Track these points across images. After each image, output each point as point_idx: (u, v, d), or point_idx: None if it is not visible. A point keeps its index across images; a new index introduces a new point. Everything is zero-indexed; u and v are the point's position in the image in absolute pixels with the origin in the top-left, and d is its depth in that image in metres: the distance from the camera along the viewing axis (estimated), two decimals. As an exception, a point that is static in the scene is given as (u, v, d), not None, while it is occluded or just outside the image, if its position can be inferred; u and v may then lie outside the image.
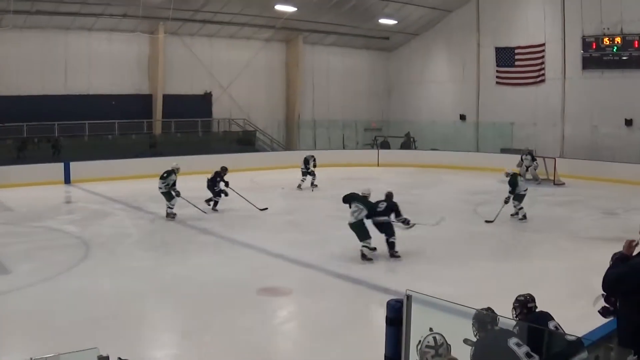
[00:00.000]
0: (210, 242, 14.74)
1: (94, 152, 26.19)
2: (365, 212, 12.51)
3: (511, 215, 16.81)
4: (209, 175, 18.25)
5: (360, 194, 12.84)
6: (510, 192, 16.41)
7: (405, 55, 38.43)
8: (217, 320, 9.10)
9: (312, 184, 23.16)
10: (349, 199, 12.78)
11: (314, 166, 23.32)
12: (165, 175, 17.13)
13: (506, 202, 16.46)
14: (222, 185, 18.05)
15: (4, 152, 24.88)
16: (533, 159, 25.13)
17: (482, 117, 33.65)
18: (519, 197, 16.55)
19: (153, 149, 29.04)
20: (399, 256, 12.73)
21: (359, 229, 12.51)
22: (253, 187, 21.21)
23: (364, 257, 12.42)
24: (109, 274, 11.50)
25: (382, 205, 12.88)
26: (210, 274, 11.72)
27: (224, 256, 13.34)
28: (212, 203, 18.21)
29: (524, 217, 16.63)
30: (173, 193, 16.98)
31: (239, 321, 9.05)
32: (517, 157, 25.77)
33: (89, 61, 28.88)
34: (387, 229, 12.83)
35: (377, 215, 12.76)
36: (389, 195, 13.21)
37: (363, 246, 12.44)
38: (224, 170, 18.30)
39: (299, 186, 23.02)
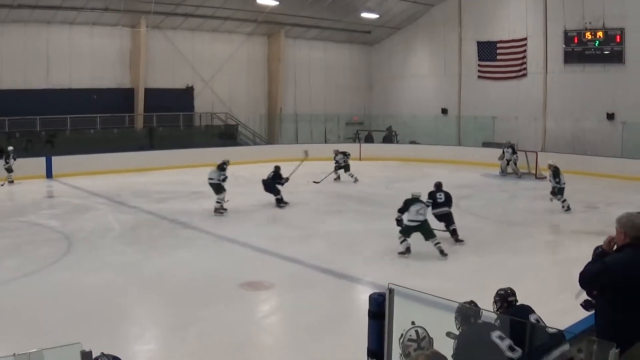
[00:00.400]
0: (193, 236, 14.66)
1: (76, 146, 26.02)
2: (426, 208, 12.57)
3: (562, 207, 17.19)
4: (264, 177, 18.18)
5: (412, 196, 12.60)
6: (557, 182, 17.10)
7: (387, 49, 38.44)
8: (201, 315, 9.07)
9: (352, 176, 23.42)
10: (405, 207, 12.38)
11: (345, 161, 23.61)
12: (224, 166, 17.11)
13: (552, 192, 17.24)
14: (283, 182, 18.11)
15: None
16: (514, 152, 25.33)
17: (464, 111, 33.77)
18: (560, 191, 17.16)
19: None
20: (462, 240, 13.14)
21: (427, 227, 12.34)
22: (237, 182, 21.02)
23: (442, 252, 12.20)
24: (92, 269, 11.43)
25: (441, 196, 13.24)
26: (194, 268, 11.69)
27: (208, 251, 13.30)
28: (278, 201, 17.97)
29: (569, 207, 17.11)
30: (224, 187, 16.95)
31: (223, 316, 9.04)
32: (499, 151, 25.97)
33: (70, 55, 28.68)
34: (448, 218, 13.21)
35: (438, 207, 13.14)
36: (440, 185, 13.58)
37: (437, 243, 12.25)
38: (278, 168, 18.31)
39: (337, 178, 23.57)
